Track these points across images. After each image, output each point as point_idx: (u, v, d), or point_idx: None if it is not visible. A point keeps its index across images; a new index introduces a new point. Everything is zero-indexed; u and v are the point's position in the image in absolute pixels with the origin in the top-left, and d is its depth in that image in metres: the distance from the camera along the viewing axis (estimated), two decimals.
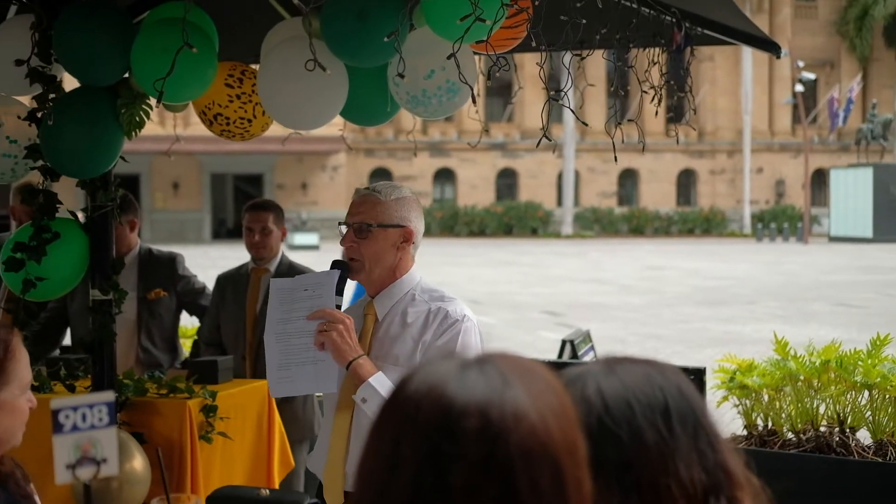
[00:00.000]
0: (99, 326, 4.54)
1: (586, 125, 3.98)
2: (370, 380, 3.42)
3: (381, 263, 3.60)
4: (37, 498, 2.72)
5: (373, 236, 3.57)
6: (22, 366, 2.53)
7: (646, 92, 4.19)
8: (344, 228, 3.66)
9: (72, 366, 4.99)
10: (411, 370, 1.32)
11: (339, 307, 3.56)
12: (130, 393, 4.74)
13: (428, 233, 54.68)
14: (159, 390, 4.86)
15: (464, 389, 1.25)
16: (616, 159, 4.05)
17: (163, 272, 6.21)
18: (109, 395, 1.68)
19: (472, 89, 3.65)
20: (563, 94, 3.57)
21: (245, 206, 6.28)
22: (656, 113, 4.70)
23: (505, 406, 1.24)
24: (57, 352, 6.14)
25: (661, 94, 4.73)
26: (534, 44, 3.73)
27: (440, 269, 32.72)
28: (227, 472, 4.98)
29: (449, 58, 3.40)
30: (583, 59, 4.07)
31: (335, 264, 3.64)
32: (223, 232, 56.12)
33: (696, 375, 5.49)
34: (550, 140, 3.58)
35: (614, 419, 1.51)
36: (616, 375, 1.60)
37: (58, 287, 4.49)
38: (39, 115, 4.40)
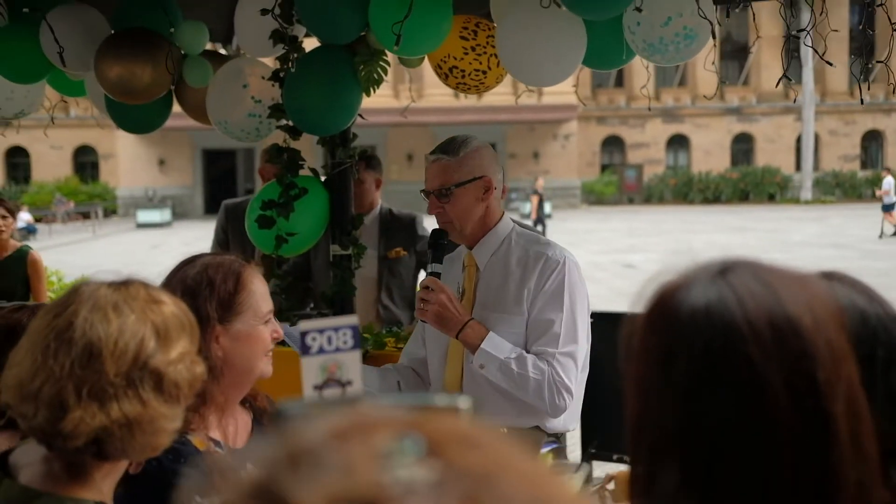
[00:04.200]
0: (339, 280, 4.67)
1: (831, 65, 3.80)
2: (483, 346, 3.43)
3: (471, 219, 3.60)
4: None
5: (455, 197, 3.56)
6: (257, 297, 2.61)
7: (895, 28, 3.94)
8: (425, 195, 3.64)
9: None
10: (668, 287, 1.30)
11: (437, 275, 3.55)
12: (370, 346, 4.85)
13: (661, 200, 54.32)
14: (397, 344, 4.96)
15: (741, 305, 1.24)
16: (862, 101, 3.84)
17: (403, 232, 6.33)
18: (354, 319, 1.70)
19: (711, 24, 3.54)
20: (806, 32, 3.42)
21: None
22: None
23: (777, 316, 1.23)
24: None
25: None
26: None
27: (675, 235, 32.22)
28: None
29: None
30: None
31: (434, 233, 3.66)
32: None
33: None
34: (791, 80, 3.43)
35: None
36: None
37: (306, 241, 4.65)
38: (282, 74, 4.54)
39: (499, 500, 0.68)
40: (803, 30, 3.49)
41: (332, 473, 0.67)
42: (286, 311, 5.04)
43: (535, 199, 33.06)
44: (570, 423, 3.64)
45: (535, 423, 3.53)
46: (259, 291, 2.62)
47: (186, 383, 1.87)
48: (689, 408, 1.22)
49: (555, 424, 3.56)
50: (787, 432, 1.20)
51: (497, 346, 3.43)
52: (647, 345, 1.30)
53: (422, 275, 6.63)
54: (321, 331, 1.66)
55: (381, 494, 0.66)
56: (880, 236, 30.65)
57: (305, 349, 1.64)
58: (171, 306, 1.90)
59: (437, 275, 3.55)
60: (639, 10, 3.74)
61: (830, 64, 3.74)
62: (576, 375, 3.48)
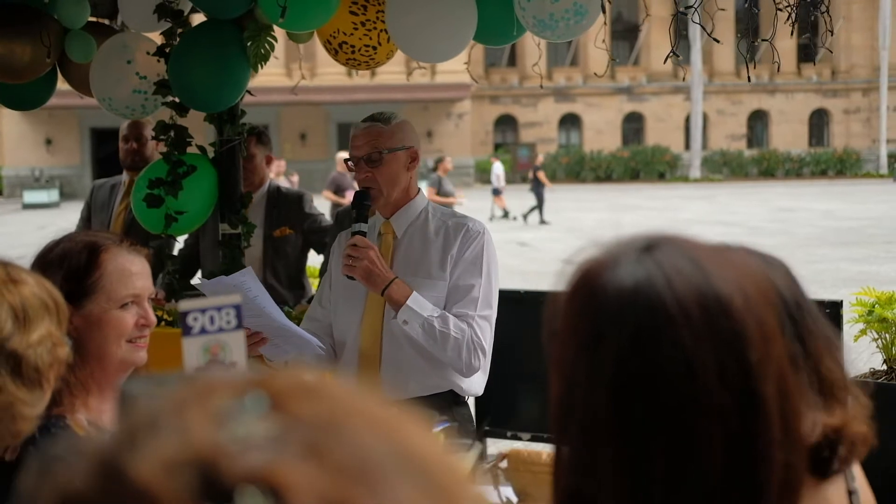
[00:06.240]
0: (229, 260, 4.60)
1: (717, 41, 3.84)
2: (408, 303, 3.60)
3: (397, 185, 3.77)
4: None
5: (385, 162, 3.72)
6: (112, 279, 2.37)
7: (779, 9, 4.00)
8: (351, 163, 3.78)
9: None
10: (592, 266, 1.27)
11: (363, 233, 3.67)
12: None
13: (553, 178, 54.68)
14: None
15: (669, 285, 1.21)
16: (749, 79, 3.89)
17: (290, 210, 6.24)
18: (236, 298, 1.66)
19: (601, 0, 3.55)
20: (694, 9, 3.44)
21: None
22: (791, 32, 4.48)
23: (707, 296, 1.21)
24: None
25: (794, 16, 4.53)
26: None
27: (567, 214, 32.51)
28: None
29: None
30: None
31: (358, 195, 3.77)
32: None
33: (832, 308, 5.31)
34: (678, 55, 3.46)
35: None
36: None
37: (195, 220, 4.57)
38: (167, 49, 4.44)
39: (346, 447, 0.67)
40: (690, 6, 3.51)
41: (167, 438, 0.66)
42: (179, 291, 4.95)
43: (541, 175, 32.01)
44: (480, 386, 3.85)
45: (449, 386, 3.74)
46: (116, 272, 2.38)
47: (48, 366, 1.80)
48: (620, 390, 1.20)
49: (468, 386, 3.77)
50: (719, 414, 1.18)
51: (421, 304, 3.62)
52: (571, 326, 1.27)
53: (312, 255, 6.58)
54: (203, 310, 1.61)
55: (217, 452, 0.64)
56: (490, 219, 31.23)
57: (187, 330, 1.59)
58: (33, 286, 1.81)
59: (362, 233, 3.67)
60: None
61: (717, 41, 3.78)
62: (490, 338, 3.73)
